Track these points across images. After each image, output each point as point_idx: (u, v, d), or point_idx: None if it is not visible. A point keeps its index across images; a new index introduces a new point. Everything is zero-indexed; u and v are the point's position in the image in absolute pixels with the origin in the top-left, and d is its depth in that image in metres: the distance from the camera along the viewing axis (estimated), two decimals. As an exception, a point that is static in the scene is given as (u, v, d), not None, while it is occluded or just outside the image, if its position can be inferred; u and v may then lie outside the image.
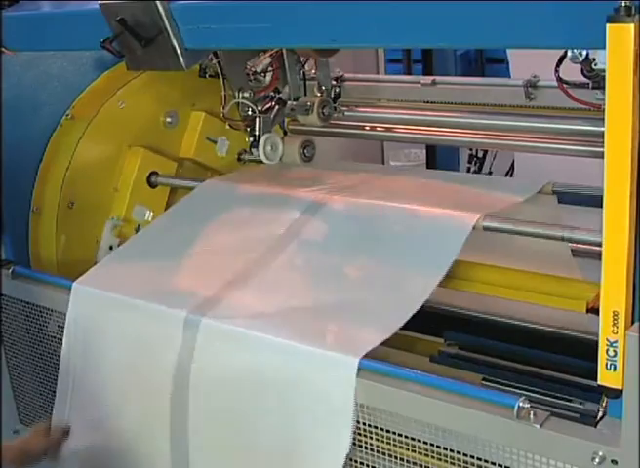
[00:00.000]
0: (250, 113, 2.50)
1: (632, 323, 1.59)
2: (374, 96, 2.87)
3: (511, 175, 4.85)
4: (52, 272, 2.80)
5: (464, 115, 2.74)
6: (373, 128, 2.92)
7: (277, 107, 2.53)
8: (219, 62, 2.52)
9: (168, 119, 3.10)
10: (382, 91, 2.99)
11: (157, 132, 3.09)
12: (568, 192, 2.54)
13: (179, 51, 2.13)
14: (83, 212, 2.90)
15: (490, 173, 5.59)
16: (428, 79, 2.93)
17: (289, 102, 2.54)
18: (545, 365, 2.64)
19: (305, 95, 2.58)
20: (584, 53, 2.04)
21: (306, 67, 2.63)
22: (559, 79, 2.32)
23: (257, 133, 2.50)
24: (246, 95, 2.49)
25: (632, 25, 1.44)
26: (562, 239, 2.20)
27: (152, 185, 3.06)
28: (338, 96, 2.60)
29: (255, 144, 2.49)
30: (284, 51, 2.46)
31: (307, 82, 2.63)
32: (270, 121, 2.51)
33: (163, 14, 2.10)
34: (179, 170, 3.16)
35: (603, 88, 2.10)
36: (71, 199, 2.86)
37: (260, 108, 2.50)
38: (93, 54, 2.82)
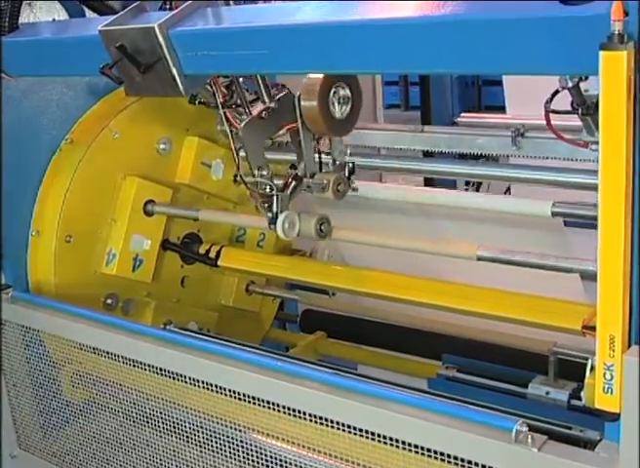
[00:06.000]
0: (268, 191, 2.54)
1: (629, 346, 1.60)
2: (360, 143, 2.88)
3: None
4: (50, 295, 2.80)
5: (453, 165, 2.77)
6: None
7: (294, 184, 2.58)
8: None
9: (162, 146, 3.12)
10: (369, 138, 3.00)
11: (152, 159, 3.10)
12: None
13: (177, 77, 2.15)
14: (80, 245, 2.91)
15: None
16: (418, 128, 2.94)
17: (305, 179, 2.60)
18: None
19: (320, 170, 2.63)
20: (575, 79, 2.07)
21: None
22: (548, 114, 2.33)
23: (275, 210, 2.54)
24: (264, 173, 2.54)
25: (625, 52, 1.46)
26: (555, 268, 2.23)
27: (149, 214, 3.07)
28: (352, 172, 2.65)
29: (273, 221, 2.54)
30: (300, 128, 2.51)
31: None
32: (288, 198, 2.56)
33: (162, 41, 2.11)
34: (175, 195, 3.17)
35: (592, 115, 2.15)
36: (69, 232, 2.86)
37: (278, 186, 2.55)
38: (92, 79, 2.84)
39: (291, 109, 2.48)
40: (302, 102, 2.44)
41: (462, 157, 3.09)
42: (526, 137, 2.64)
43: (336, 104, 2.45)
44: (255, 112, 2.51)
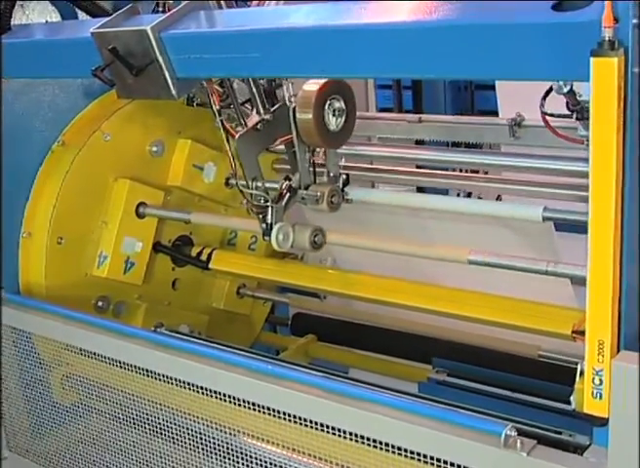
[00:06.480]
0: (263, 202, 2.56)
1: (618, 351, 1.60)
2: (360, 133, 2.91)
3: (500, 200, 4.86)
4: (41, 297, 2.80)
5: (451, 154, 2.79)
6: (366, 169, 2.97)
7: (289, 195, 2.60)
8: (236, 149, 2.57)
9: (154, 148, 3.10)
10: (369, 127, 3.03)
11: (143, 162, 3.09)
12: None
13: (170, 80, 2.15)
14: (72, 247, 2.90)
15: (479, 198, 5.59)
16: (415, 117, 2.98)
17: (299, 191, 2.61)
18: (534, 391, 2.65)
19: (315, 182, 2.65)
20: (569, 84, 2.07)
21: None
22: (544, 113, 2.35)
23: (269, 221, 2.56)
24: (259, 184, 2.56)
25: (616, 59, 1.47)
26: (546, 273, 2.24)
27: (141, 216, 3.07)
28: (346, 183, 2.67)
29: (267, 233, 2.55)
30: (295, 140, 2.52)
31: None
32: (282, 209, 2.58)
33: (154, 43, 2.12)
34: (166, 198, 3.17)
35: (587, 119, 2.15)
36: (60, 234, 2.85)
37: (272, 198, 2.56)
38: (84, 81, 2.84)
39: (286, 121, 2.48)
40: (297, 115, 2.45)
41: (457, 146, 3.10)
42: (523, 127, 2.67)
43: (330, 117, 2.47)
44: (250, 124, 2.52)
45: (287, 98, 2.55)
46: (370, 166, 3.04)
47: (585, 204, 1.60)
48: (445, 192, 5.55)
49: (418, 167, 5.44)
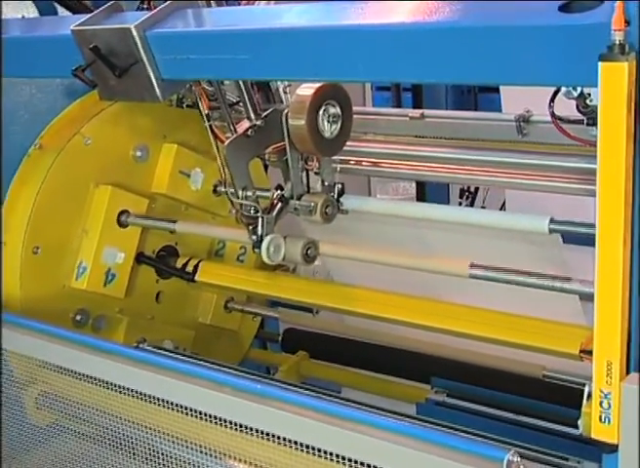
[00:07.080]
0: (253, 213, 2.56)
1: (627, 373, 1.60)
2: (360, 129, 2.90)
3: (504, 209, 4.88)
4: (15, 310, 2.78)
5: (454, 150, 2.78)
6: (359, 162, 2.96)
7: (280, 205, 2.60)
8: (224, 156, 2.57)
9: (138, 153, 3.09)
10: (369, 124, 3.04)
11: (126, 167, 3.09)
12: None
13: (154, 81, 2.15)
14: (49, 257, 2.89)
15: (483, 208, 5.62)
16: (417, 112, 2.98)
17: (292, 201, 2.61)
18: (539, 414, 2.65)
19: (308, 191, 2.65)
20: (579, 88, 2.08)
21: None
22: (553, 115, 2.36)
23: (260, 233, 2.56)
24: (249, 194, 2.56)
25: (626, 64, 1.47)
26: (552, 289, 2.24)
27: (123, 225, 3.06)
28: (341, 192, 2.67)
29: (258, 245, 2.55)
30: (287, 147, 2.52)
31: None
32: (273, 220, 2.58)
33: (139, 42, 2.12)
34: (150, 205, 3.16)
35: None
36: (36, 243, 2.84)
37: (263, 208, 2.56)
38: (63, 81, 2.83)
39: (278, 127, 2.48)
40: (290, 121, 2.44)
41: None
42: (531, 123, 2.68)
43: (325, 123, 2.46)
44: (240, 130, 2.51)
45: (281, 90, 2.56)
46: (368, 160, 3.02)
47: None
48: (446, 201, 5.61)
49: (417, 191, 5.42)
